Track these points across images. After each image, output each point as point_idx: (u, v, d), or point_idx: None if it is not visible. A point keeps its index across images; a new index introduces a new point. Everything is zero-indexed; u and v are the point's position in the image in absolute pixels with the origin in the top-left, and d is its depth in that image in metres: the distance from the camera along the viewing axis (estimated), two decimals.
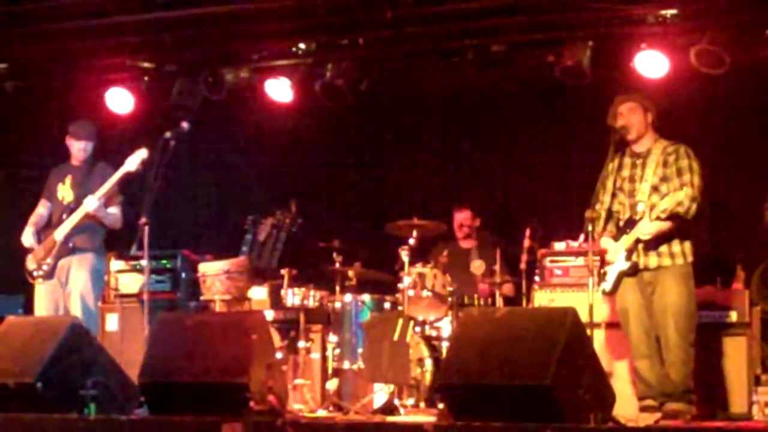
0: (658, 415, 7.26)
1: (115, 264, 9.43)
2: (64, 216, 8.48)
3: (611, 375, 7.48)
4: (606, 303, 7.89)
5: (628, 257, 7.45)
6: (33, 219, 8.73)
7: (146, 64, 10.12)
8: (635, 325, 7.48)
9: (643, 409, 7.40)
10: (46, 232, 8.57)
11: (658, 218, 7.33)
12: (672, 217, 7.33)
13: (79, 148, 8.67)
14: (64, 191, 8.63)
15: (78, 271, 8.44)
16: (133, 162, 8.26)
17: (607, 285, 7.54)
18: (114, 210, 8.50)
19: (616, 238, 7.54)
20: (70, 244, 8.44)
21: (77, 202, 8.48)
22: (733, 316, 8.20)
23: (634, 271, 7.46)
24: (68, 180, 8.64)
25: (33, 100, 10.62)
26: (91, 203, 8.38)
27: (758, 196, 8.58)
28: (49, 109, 10.58)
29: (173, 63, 10.04)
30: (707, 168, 7.62)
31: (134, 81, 10.20)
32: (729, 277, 8.56)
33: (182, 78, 9.97)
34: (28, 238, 8.62)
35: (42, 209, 8.73)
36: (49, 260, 8.46)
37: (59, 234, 8.45)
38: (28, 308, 8.83)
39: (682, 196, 7.28)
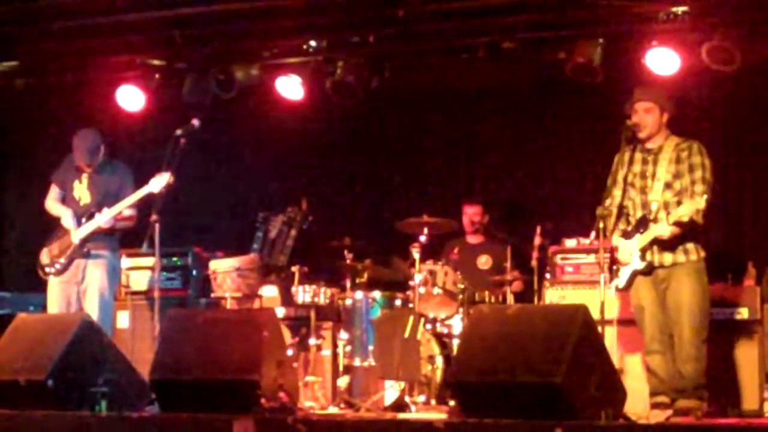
0: (670, 411, 7.25)
1: (126, 261, 9.42)
2: (84, 220, 8.47)
3: (623, 372, 7.47)
4: (618, 300, 7.88)
5: (643, 257, 7.42)
6: (57, 202, 8.71)
7: (157, 62, 10.14)
8: (650, 321, 7.45)
9: (654, 406, 7.39)
10: (62, 229, 8.58)
11: (674, 223, 7.29)
12: (687, 222, 7.29)
13: (86, 165, 8.64)
14: (81, 191, 8.60)
15: (95, 268, 8.45)
16: (158, 184, 8.15)
17: (621, 281, 7.51)
18: (128, 212, 8.48)
19: (627, 235, 7.51)
20: (86, 249, 8.44)
21: (97, 207, 8.46)
22: (745, 313, 8.19)
23: (649, 270, 7.44)
24: (85, 179, 8.61)
25: (44, 98, 10.64)
26: (102, 219, 8.37)
27: None
28: (60, 107, 10.60)
29: (184, 60, 10.05)
30: (718, 165, 7.58)
31: (145, 78, 10.21)
32: (740, 274, 8.52)
33: (193, 75, 9.97)
34: (68, 220, 8.52)
35: (57, 194, 8.72)
36: (62, 259, 8.47)
37: (76, 237, 8.44)
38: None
39: (701, 204, 7.21)
